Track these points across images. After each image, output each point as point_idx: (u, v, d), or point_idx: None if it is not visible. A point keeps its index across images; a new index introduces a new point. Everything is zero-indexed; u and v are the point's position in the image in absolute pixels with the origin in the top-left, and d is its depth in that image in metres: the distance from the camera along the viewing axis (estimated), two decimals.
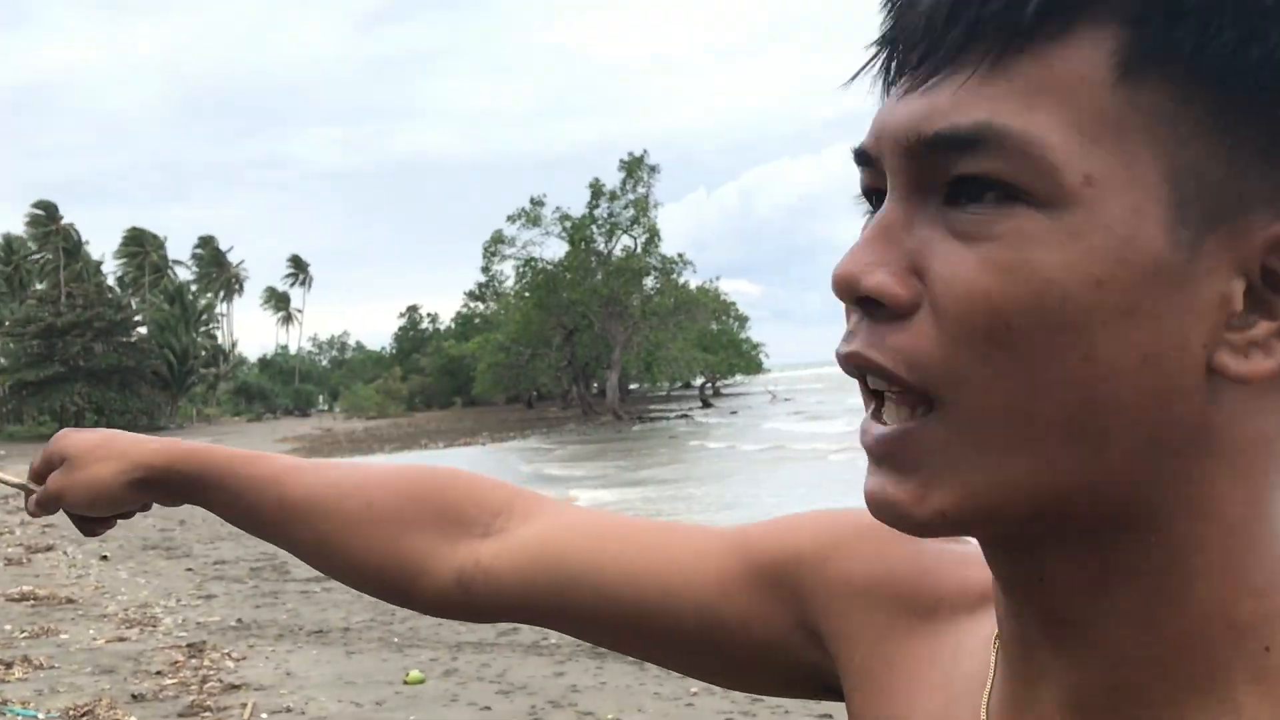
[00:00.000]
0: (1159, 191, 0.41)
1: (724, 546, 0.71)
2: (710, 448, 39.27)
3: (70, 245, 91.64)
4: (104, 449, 0.94)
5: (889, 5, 0.46)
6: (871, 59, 0.48)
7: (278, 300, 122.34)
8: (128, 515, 1.00)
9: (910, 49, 0.45)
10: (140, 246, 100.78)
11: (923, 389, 0.43)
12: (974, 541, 0.66)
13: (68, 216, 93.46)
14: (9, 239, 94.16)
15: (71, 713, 7.00)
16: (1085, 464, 0.43)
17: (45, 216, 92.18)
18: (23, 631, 9.85)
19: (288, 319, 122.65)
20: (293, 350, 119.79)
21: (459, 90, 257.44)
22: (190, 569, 14.10)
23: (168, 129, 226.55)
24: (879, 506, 0.46)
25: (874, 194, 0.48)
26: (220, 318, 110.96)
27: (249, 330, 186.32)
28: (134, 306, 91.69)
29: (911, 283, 0.43)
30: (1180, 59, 0.41)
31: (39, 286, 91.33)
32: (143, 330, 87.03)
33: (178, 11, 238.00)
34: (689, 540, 0.73)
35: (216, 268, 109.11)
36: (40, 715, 6.97)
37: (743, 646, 0.69)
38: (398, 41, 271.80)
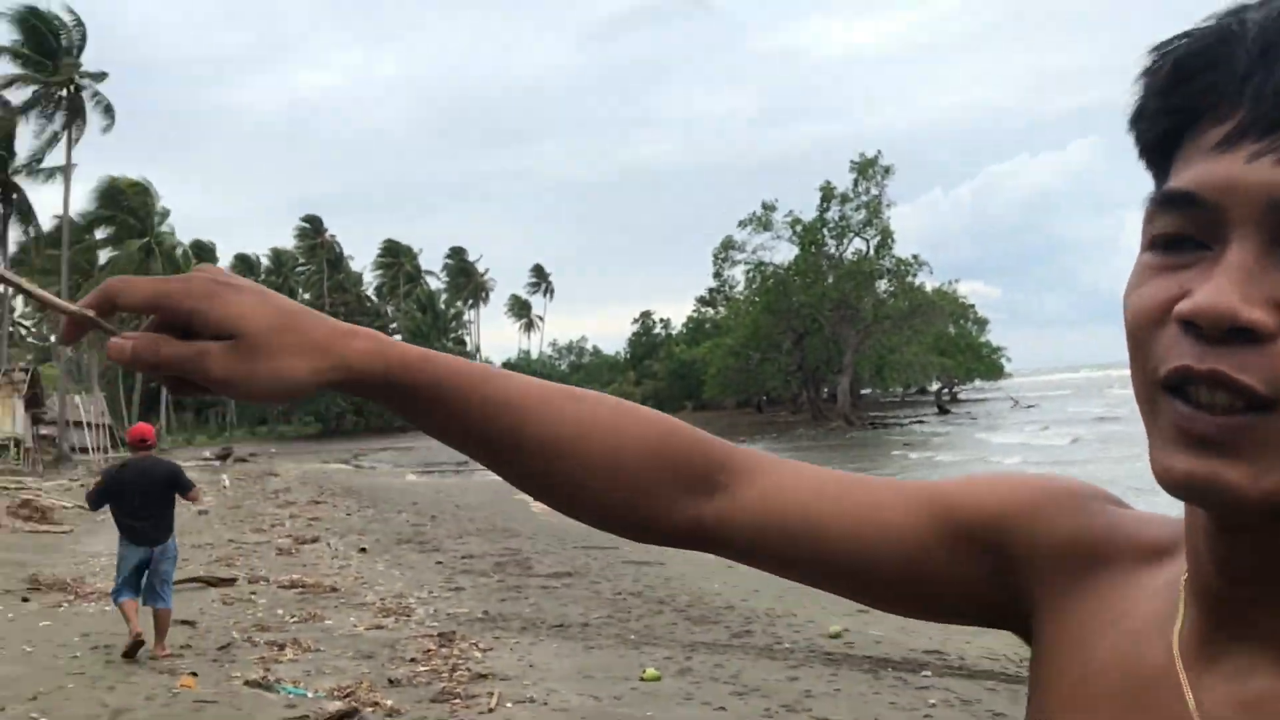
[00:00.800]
0: None
1: (925, 501, 0.79)
2: (911, 458, 39.66)
3: (333, 257, 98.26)
4: (290, 334, 0.74)
5: (1243, 77, 0.55)
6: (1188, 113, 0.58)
7: (520, 307, 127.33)
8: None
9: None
10: (395, 257, 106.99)
11: (1272, 398, 0.53)
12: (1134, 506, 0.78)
13: (331, 230, 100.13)
14: (279, 253, 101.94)
15: (335, 693, 7.49)
16: None
17: (311, 230, 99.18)
18: (293, 616, 10.63)
19: (529, 325, 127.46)
20: (534, 355, 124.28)
21: (688, 97, 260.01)
22: (440, 562, 14.84)
23: (420, 145, 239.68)
24: (1203, 484, 0.55)
25: (1178, 239, 0.57)
26: (468, 324, 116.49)
27: (494, 336, 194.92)
28: (390, 314, 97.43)
29: (1276, 317, 0.53)
30: None
31: (305, 296, 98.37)
32: (398, 337, 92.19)
33: (422, 34, 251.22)
34: (895, 495, 0.80)
35: (465, 277, 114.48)
36: (308, 694, 7.50)
37: (938, 586, 0.78)
38: (629, 52, 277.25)
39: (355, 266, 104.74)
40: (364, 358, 0.76)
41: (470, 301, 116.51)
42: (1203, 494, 0.55)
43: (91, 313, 0.72)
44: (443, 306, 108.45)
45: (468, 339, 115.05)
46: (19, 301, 71.15)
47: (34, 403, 44.90)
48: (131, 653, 8.38)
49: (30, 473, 36.86)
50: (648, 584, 12.79)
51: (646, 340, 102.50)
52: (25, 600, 11.39)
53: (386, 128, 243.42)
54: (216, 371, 0.72)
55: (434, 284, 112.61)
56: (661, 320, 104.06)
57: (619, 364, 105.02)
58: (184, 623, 10.30)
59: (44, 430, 47.45)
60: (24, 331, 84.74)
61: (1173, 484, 0.56)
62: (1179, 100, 0.58)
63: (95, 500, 8.99)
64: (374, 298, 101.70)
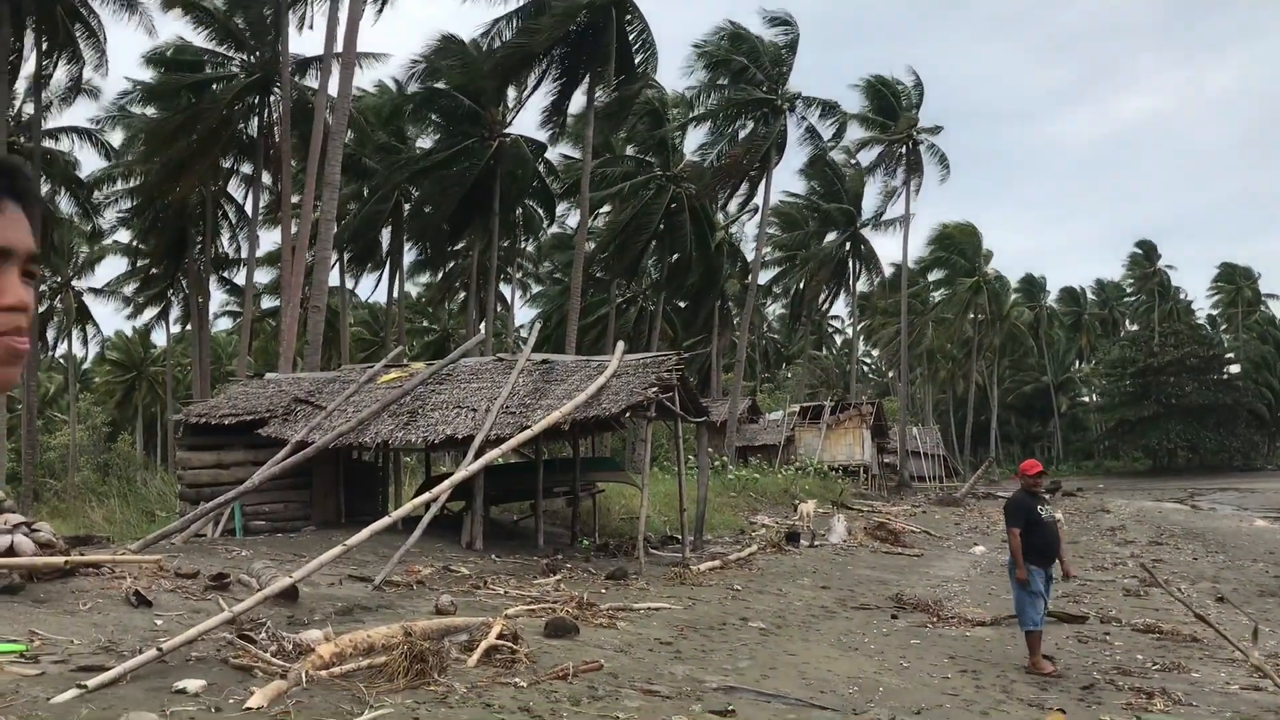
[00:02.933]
0: None
1: None
2: None
3: (1163, 287, 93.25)
4: None
5: None
6: None
7: None
8: None
9: None
10: (1231, 282, 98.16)
11: None
12: None
13: (1161, 256, 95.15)
14: (1103, 284, 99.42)
15: None
16: None
17: (1143, 256, 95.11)
18: (1154, 663, 10.12)
19: None
20: None
21: None
22: None
23: (1253, 160, 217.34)
24: None
25: None
26: None
27: None
28: (1225, 344, 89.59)
29: None
30: None
31: (1131, 328, 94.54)
32: (1235, 368, 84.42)
33: (1250, 43, 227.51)
34: None
35: None
36: None
37: None
38: None
39: (1189, 293, 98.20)
40: None
41: None
42: None
43: None
44: None
45: None
46: (861, 342, 78.67)
47: (878, 433, 49.24)
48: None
49: (876, 497, 40.46)
50: None
51: None
52: (894, 617, 12.42)
53: (1220, 144, 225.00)
54: None
55: (1278, 309, 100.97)
56: None
57: None
58: (1044, 657, 10.41)
59: (886, 459, 51.76)
60: (866, 368, 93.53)
61: None
62: None
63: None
64: (1207, 325, 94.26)
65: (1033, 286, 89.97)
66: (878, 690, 8.36)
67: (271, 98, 34.83)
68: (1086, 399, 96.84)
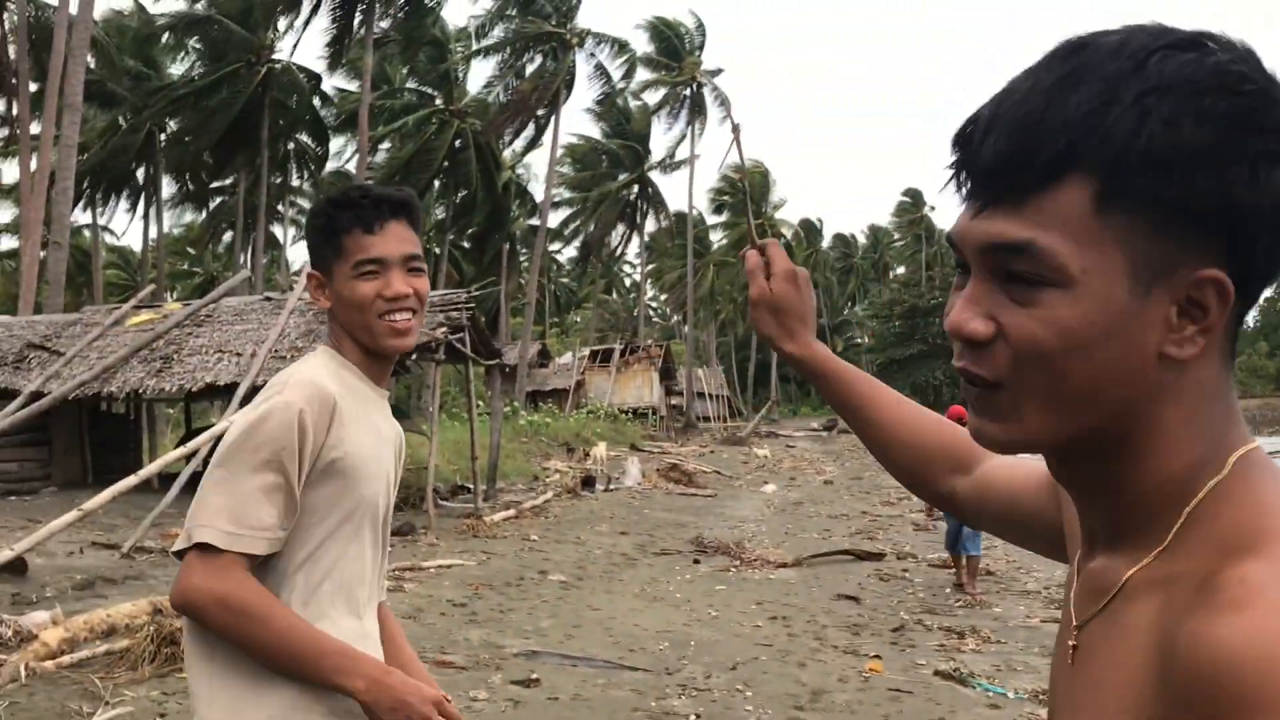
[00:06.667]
0: (1122, 270, 0.73)
1: (1040, 471, 1.12)
2: None
3: (928, 230, 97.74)
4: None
5: (958, 156, 0.79)
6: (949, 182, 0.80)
7: None
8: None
9: (974, 187, 0.77)
10: None
11: (996, 383, 0.78)
12: None
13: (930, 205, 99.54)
14: (875, 229, 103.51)
15: (1040, 696, 6.72)
16: (1089, 417, 0.77)
17: (911, 204, 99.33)
18: (957, 600, 10.05)
19: None
20: None
21: None
22: None
23: None
24: (978, 435, 0.81)
25: (962, 264, 0.81)
26: None
27: None
28: None
29: (991, 326, 0.76)
30: (1131, 197, 0.72)
31: (899, 271, 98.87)
32: None
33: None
34: (1028, 467, 1.16)
35: None
36: (1009, 694, 6.81)
37: (1054, 529, 1.06)
38: None
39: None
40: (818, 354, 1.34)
41: None
42: (980, 441, 0.82)
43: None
44: None
45: None
46: (647, 284, 79.11)
47: (666, 375, 49.44)
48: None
49: (665, 439, 40.58)
50: None
51: None
52: (696, 562, 12.01)
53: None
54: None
55: None
56: None
57: (1248, 336, 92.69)
58: (848, 598, 10.17)
59: (673, 400, 52.11)
60: (653, 312, 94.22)
61: (970, 434, 0.83)
62: (954, 167, 0.79)
63: None
64: None
65: (810, 231, 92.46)
66: (689, 645, 7.84)
67: (5, 13, 31.14)
68: (860, 340, 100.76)
